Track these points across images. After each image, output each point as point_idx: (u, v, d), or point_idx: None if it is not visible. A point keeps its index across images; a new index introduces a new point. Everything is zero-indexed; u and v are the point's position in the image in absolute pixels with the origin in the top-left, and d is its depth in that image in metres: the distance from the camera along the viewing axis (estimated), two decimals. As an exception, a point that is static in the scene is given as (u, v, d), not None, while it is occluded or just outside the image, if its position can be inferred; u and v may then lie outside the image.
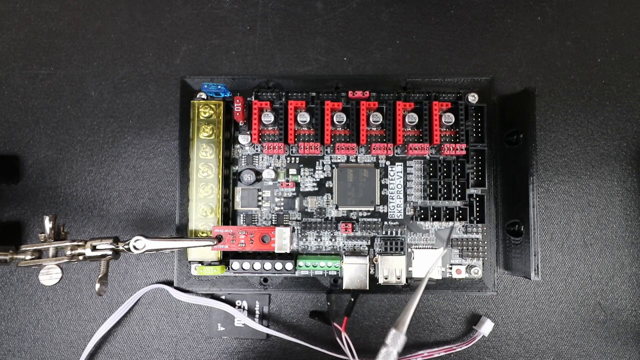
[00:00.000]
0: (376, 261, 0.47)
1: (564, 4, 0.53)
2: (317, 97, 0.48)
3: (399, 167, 0.49)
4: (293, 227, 0.48)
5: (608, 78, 0.51)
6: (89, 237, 0.40)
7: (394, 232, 0.49)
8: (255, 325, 0.48)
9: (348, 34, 0.52)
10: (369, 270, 0.47)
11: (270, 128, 0.49)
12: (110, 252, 0.40)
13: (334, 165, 0.49)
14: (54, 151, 0.51)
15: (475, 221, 0.48)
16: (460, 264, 0.48)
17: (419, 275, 0.47)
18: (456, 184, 0.48)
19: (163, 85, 0.52)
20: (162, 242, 0.41)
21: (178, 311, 0.50)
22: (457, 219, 0.47)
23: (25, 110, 0.51)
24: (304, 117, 0.47)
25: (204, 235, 0.46)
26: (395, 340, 0.33)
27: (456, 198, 0.48)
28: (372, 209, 0.49)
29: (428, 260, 0.48)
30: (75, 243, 0.39)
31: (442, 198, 0.48)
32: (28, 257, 0.39)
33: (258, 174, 0.49)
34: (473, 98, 0.49)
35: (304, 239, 0.49)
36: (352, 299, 0.47)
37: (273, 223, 0.49)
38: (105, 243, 0.40)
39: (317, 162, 0.49)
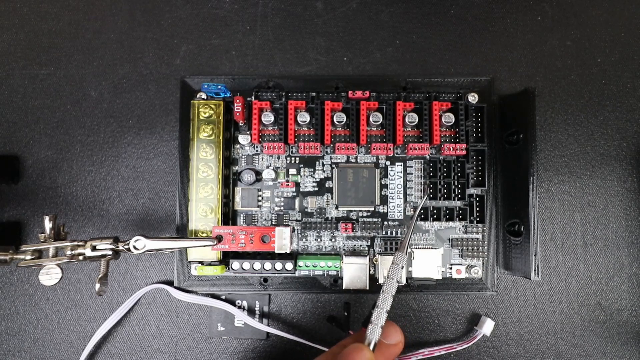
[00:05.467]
0: (376, 261, 0.47)
1: (564, 4, 0.53)
2: (317, 97, 0.48)
3: (399, 167, 0.49)
4: (293, 227, 0.48)
5: (608, 78, 0.51)
6: (89, 237, 0.41)
7: (394, 232, 0.49)
8: (255, 323, 0.48)
9: (348, 34, 0.53)
10: (369, 270, 0.47)
11: (270, 128, 0.49)
12: (110, 252, 0.40)
13: (334, 165, 0.49)
14: (54, 151, 0.51)
15: (475, 221, 0.48)
16: (460, 264, 0.48)
17: (419, 275, 0.47)
18: (456, 184, 0.48)
19: (163, 85, 0.52)
20: (162, 242, 0.41)
21: (178, 311, 0.50)
22: (427, 194, 0.48)
23: (25, 110, 0.51)
24: (304, 117, 0.47)
25: (204, 235, 0.46)
26: (399, 258, 0.37)
27: (456, 198, 0.48)
28: (372, 209, 0.49)
29: (428, 260, 0.48)
30: (75, 243, 0.39)
31: (442, 198, 0.48)
32: (28, 257, 0.39)
33: (258, 174, 0.49)
34: (473, 98, 0.49)
35: (304, 239, 0.49)
36: (346, 313, 0.48)
37: (273, 223, 0.49)
38: (105, 243, 0.40)
39: (317, 162, 0.49)
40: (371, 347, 0.34)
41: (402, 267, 0.37)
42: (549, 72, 0.52)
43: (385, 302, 0.36)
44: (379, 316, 0.35)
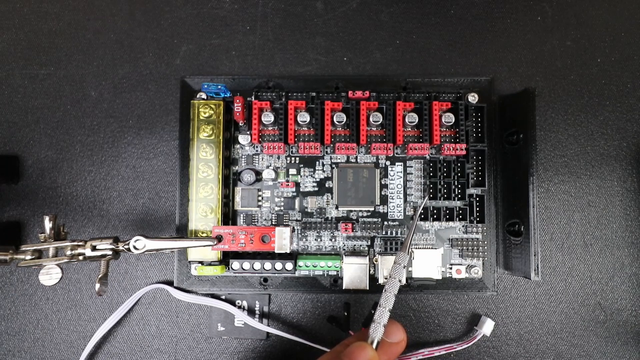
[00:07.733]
0: (376, 261, 0.47)
1: (564, 4, 0.53)
2: (317, 97, 0.48)
3: (399, 167, 0.49)
4: (293, 227, 0.48)
5: (608, 78, 0.51)
6: (89, 237, 0.40)
7: (394, 232, 0.49)
8: (255, 323, 0.48)
9: (348, 34, 0.53)
10: (369, 270, 0.47)
11: (270, 128, 0.49)
12: (110, 252, 0.40)
13: (334, 165, 0.49)
14: (54, 151, 0.51)
15: (475, 221, 0.48)
16: (460, 264, 0.48)
17: (419, 275, 0.47)
18: (456, 184, 0.48)
19: (163, 85, 0.52)
20: (162, 242, 0.41)
21: (178, 311, 0.50)
22: (428, 195, 0.48)
23: (25, 110, 0.51)
24: (304, 117, 0.47)
25: (204, 235, 0.46)
26: (401, 258, 0.38)
27: (456, 198, 0.48)
28: (372, 209, 0.49)
29: (428, 260, 0.48)
30: (75, 243, 0.39)
31: (442, 198, 0.48)
32: (28, 257, 0.39)
33: (258, 174, 0.49)
34: (473, 98, 0.49)
35: (304, 239, 0.49)
36: (346, 313, 0.48)
37: (273, 223, 0.49)
38: (105, 243, 0.40)
39: (317, 162, 0.49)
40: (374, 345, 0.34)
41: (404, 267, 0.38)
42: (549, 72, 0.52)
43: (387, 301, 0.36)
44: (382, 315, 0.35)
